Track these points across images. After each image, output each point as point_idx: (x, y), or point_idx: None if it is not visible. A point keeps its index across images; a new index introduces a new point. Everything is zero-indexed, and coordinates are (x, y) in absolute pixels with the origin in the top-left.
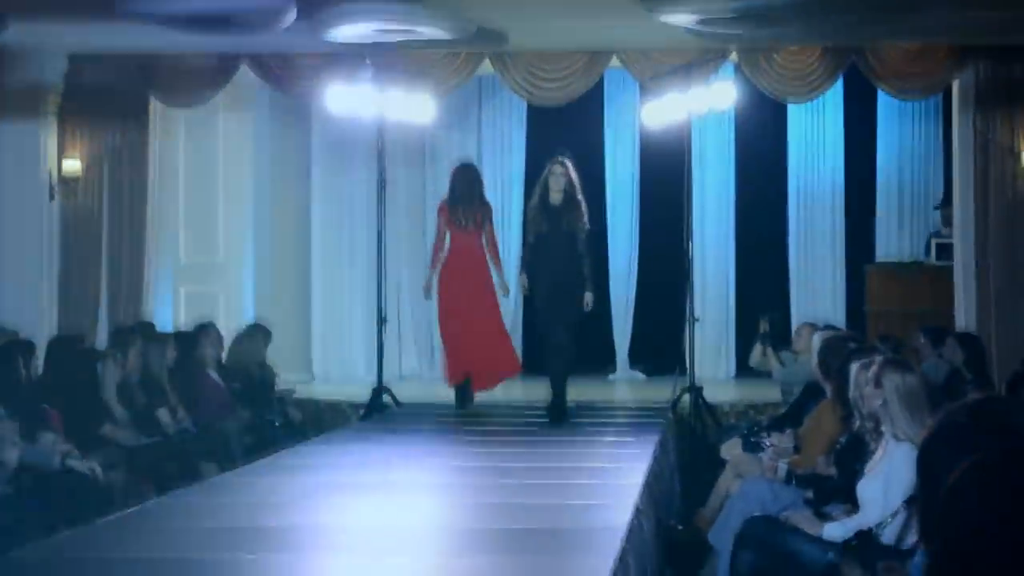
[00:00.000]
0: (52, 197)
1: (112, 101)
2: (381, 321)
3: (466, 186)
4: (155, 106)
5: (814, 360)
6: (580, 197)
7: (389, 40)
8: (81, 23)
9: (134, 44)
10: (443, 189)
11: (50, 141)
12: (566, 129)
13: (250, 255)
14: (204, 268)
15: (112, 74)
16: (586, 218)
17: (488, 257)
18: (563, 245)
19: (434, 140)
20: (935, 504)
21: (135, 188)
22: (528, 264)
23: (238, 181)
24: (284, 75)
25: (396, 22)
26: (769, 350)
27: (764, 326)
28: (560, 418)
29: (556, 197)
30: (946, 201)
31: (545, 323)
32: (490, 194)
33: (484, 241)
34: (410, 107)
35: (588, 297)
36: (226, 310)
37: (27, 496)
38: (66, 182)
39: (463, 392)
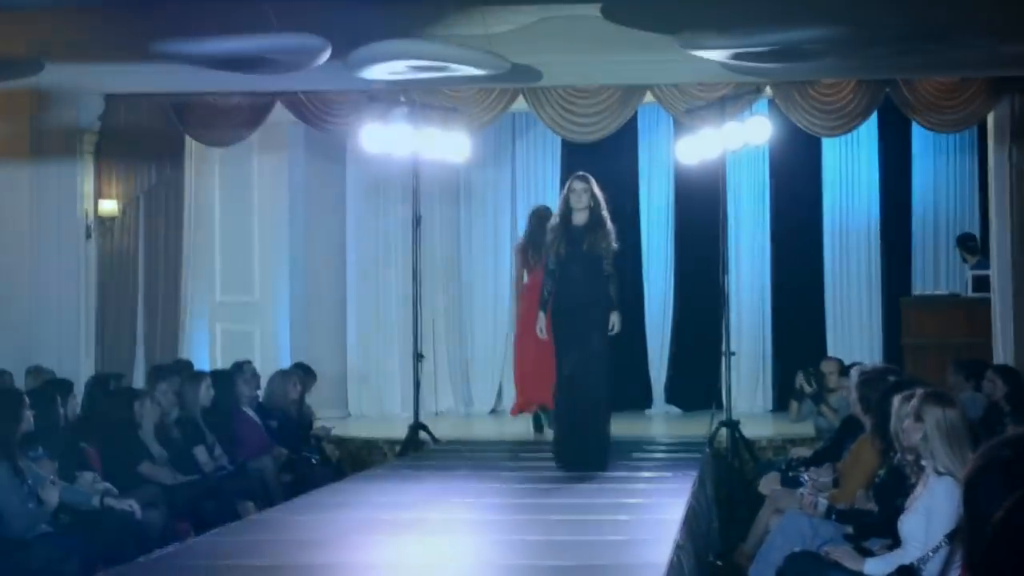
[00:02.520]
0: (89, 236)
1: (148, 141)
2: (417, 358)
3: (539, 228)
4: (191, 145)
5: (853, 394)
6: (605, 214)
7: (423, 78)
8: (116, 64)
9: (169, 85)
10: (478, 225)
11: (86, 181)
12: (600, 165)
13: (285, 293)
14: (240, 306)
15: (147, 114)
16: (613, 237)
17: None
18: (587, 270)
19: (469, 177)
20: (981, 539)
21: (171, 227)
22: (545, 299)
23: (273, 219)
24: (319, 114)
25: (430, 60)
26: (804, 405)
27: (801, 381)
28: (600, 468)
29: (580, 217)
30: (967, 236)
31: (569, 362)
32: (521, 231)
33: None
34: (445, 144)
35: (615, 318)
36: (262, 348)
37: (66, 535)
38: (103, 221)
39: (538, 420)
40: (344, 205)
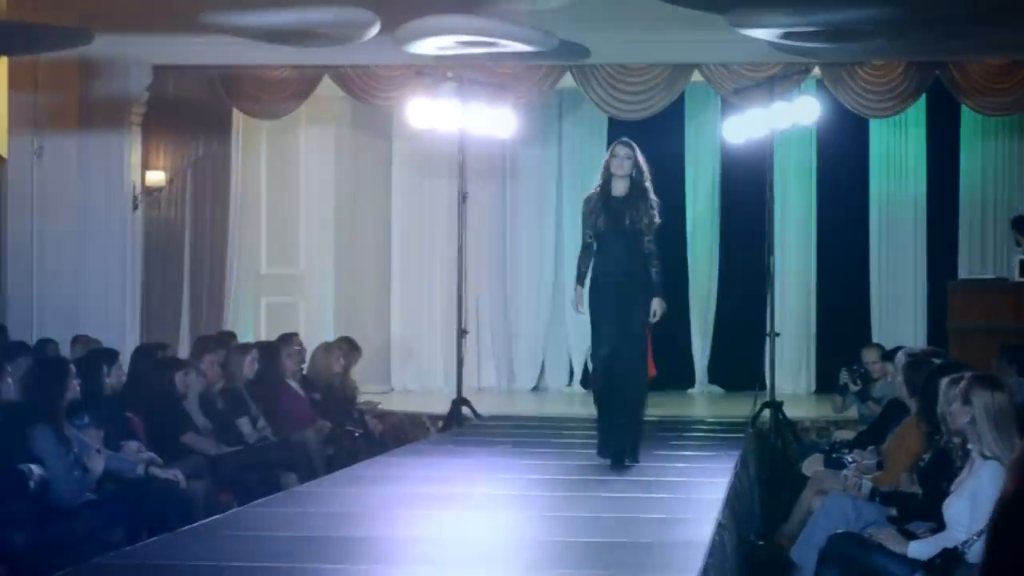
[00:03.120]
0: (135, 207)
1: (195, 113)
2: (461, 333)
3: None
4: (238, 118)
5: (898, 377)
6: (648, 185)
7: (471, 53)
8: (165, 36)
9: (217, 57)
10: (523, 202)
11: (134, 152)
12: (647, 143)
13: (330, 266)
14: (285, 279)
15: (195, 86)
16: (656, 211)
17: None
18: (627, 245)
19: (515, 153)
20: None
21: (217, 199)
22: (583, 272)
23: (319, 193)
24: (366, 87)
25: (478, 35)
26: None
27: (845, 379)
28: (633, 459)
29: (620, 186)
30: (1021, 218)
31: (607, 342)
32: (569, 209)
33: None
34: (491, 120)
35: (657, 304)
36: (307, 321)
37: (111, 503)
38: (149, 193)
39: None
40: (390, 179)
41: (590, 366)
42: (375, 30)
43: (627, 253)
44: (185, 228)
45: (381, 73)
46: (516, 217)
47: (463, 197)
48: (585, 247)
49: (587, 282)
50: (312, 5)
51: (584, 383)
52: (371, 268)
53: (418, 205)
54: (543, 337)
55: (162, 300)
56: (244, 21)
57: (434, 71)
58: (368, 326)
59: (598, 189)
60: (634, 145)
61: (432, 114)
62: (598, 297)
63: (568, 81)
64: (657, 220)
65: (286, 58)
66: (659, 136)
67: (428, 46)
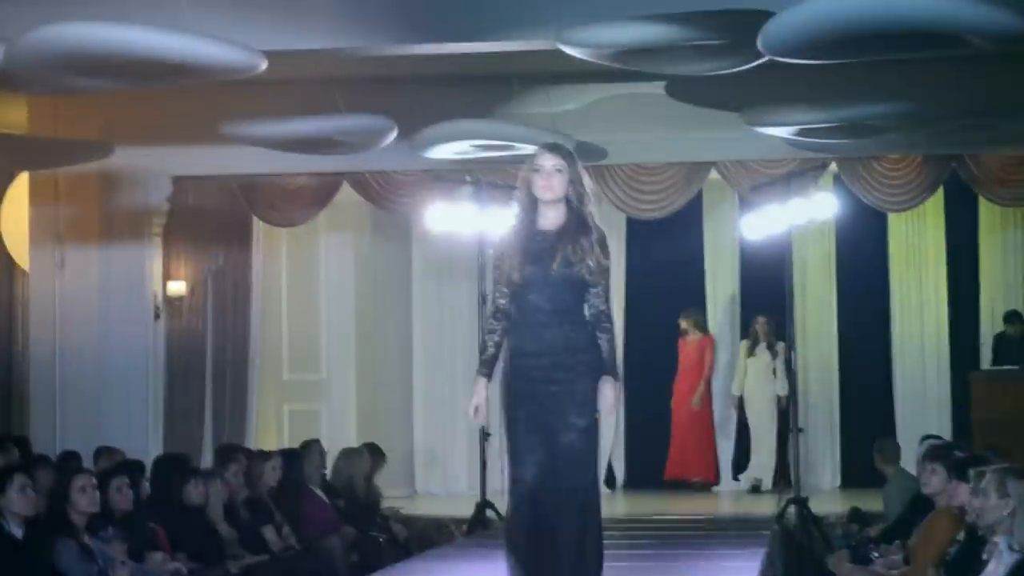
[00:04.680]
0: (157, 317)
1: (215, 221)
2: (484, 436)
3: None
4: (258, 225)
5: (921, 470)
6: (591, 209)
7: (488, 156)
8: (184, 147)
9: (236, 166)
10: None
11: (155, 262)
12: (665, 241)
13: (352, 372)
14: (308, 385)
15: (215, 195)
16: (602, 248)
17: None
18: (562, 303)
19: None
20: None
21: (239, 307)
22: (491, 355)
23: (340, 298)
24: (384, 193)
25: (495, 139)
26: None
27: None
28: None
29: (551, 216)
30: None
31: (531, 460)
32: None
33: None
34: (510, 223)
35: (611, 389)
36: (329, 427)
37: None
38: (171, 302)
39: None
40: (410, 284)
41: (504, 501)
42: (392, 137)
43: (562, 315)
44: (207, 336)
45: (399, 178)
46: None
47: (483, 299)
48: (495, 313)
49: (499, 368)
50: (329, 113)
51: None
52: (393, 372)
53: (439, 309)
54: None
55: (185, 409)
56: (262, 131)
57: (452, 175)
58: (391, 431)
59: (516, 223)
60: (565, 148)
61: (451, 218)
62: (518, 389)
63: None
64: (605, 262)
65: (304, 166)
66: (678, 234)
67: (445, 151)
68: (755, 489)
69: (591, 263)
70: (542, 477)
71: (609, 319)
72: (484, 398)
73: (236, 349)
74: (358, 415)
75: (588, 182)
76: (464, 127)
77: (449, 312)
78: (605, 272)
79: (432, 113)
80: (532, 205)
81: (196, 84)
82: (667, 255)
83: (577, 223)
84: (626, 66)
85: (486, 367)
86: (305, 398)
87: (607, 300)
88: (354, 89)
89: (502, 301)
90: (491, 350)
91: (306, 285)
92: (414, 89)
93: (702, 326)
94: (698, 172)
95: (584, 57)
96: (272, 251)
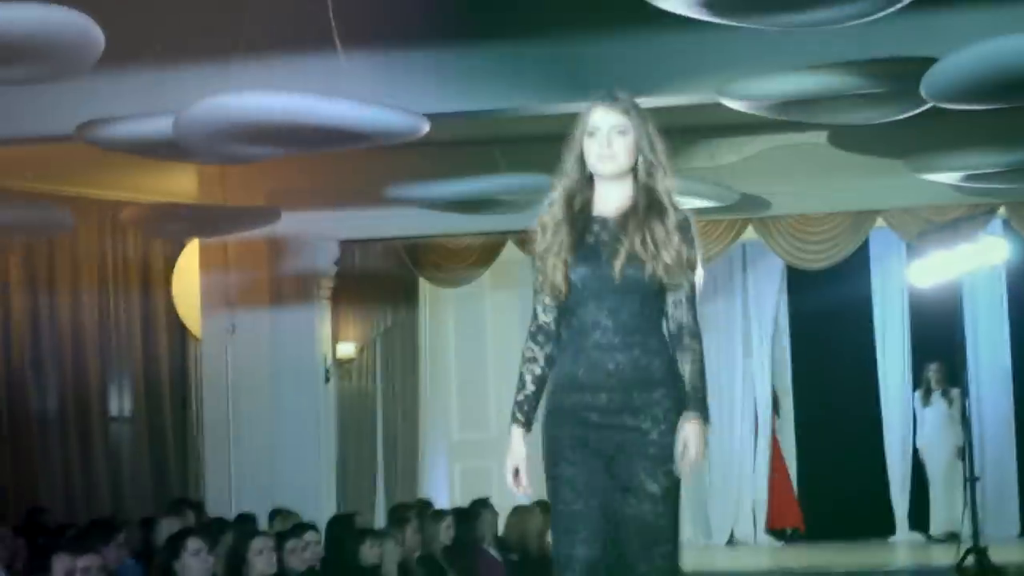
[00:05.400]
0: (327, 380)
1: (382, 283)
2: None
3: None
4: (424, 286)
5: None
6: (669, 184)
7: None
8: (350, 210)
9: (402, 228)
10: (712, 354)
11: (324, 325)
12: (832, 290)
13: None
14: (477, 444)
15: (381, 257)
16: (694, 247)
17: None
18: (624, 314)
19: (700, 308)
20: None
21: (407, 367)
22: (531, 394)
23: (507, 356)
24: None
25: None
26: None
27: None
28: None
29: (613, 195)
30: None
31: (589, 534)
32: (758, 364)
33: None
34: (551, 206)
35: (693, 431)
36: (500, 485)
37: None
38: (341, 364)
39: None
40: None
41: None
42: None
43: (630, 333)
44: (377, 397)
45: None
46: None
47: None
48: (537, 333)
49: (543, 409)
50: (491, 173)
51: None
52: None
53: None
54: (735, 489)
55: (356, 469)
56: (426, 193)
57: None
58: None
59: (562, 207)
60: (634, 102)
61: None
62: (566, 437)
63: (750, 233)
64: (691, 253)
65: (468, 226)
66: (846, 282)
67: None
68: (935, 539)
69: (669, 259)
70: (601, 563)
71: (696, 335)
72: (524, 455)
73: (406, 409)
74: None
75: (662, 146)
76: None
77: None
78: (690, 270)
79: None
80: (585, 182)
81: (360, 148)
82: (836, 302)
83: (648, 204)
84: (788, 117)
85: (525, 411)
86: (475, 456)
87: (693, 309)
88: (513, 147)
89: (546, 317)
90: (531, 387)
91: (473, 343)
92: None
93: None
94: (864, 220)
95: (746, 110)
96: (439, 310)
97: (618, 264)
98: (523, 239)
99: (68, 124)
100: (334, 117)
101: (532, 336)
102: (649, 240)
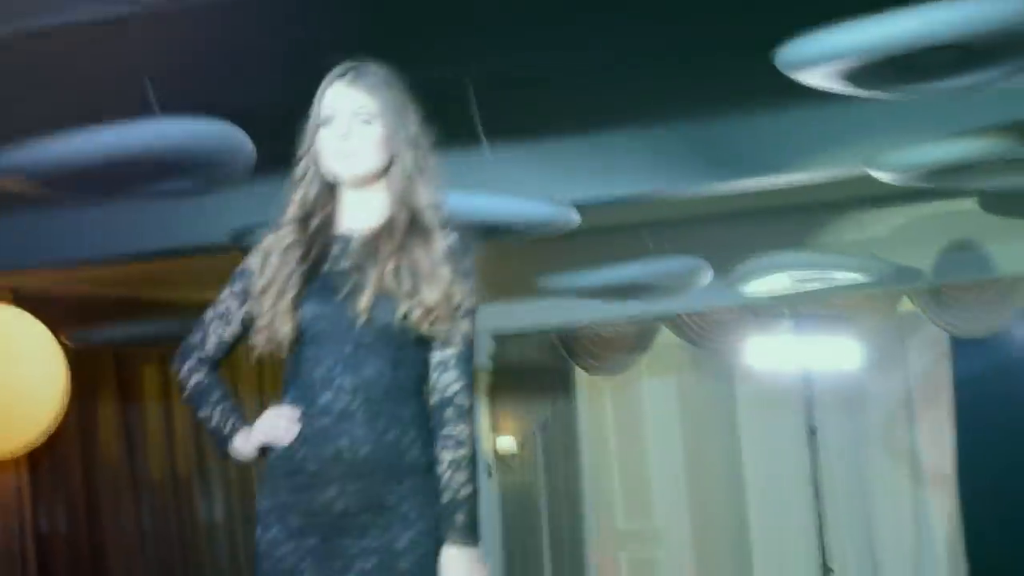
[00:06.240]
0: (490, 475)
1: (538, 376)
2: (826, 572)
3: None
4: (580, 376)
5: None
6: (430, 199)
7: (806, 289)
8: (502, 303)
9: (554, 319)
10: (875, 434)
11: (484, 420)
12: (996, 358)
13: (686, 516)
14: (643, 533)
15: (536, 349)
16: (456, 275)
17: None
18: (366, 373)
19: (860, 383)
20: None
21: (569, 458)
22: (276, 464)
23: (668, 442)
24: (703, 334)
25: (811, 271)
26: None
27: None
28: None
29: (356, 209)
30: None
31: None
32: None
33: None
34: (834, 353)
35: (458, 572)
36: (668, 573)
37: None
38: (502, 459)
39: None
40: (736, 423)
41: None
42: (708, 277)
43: (375, 401)
44: (540, 489)
45: (717, 317)
46: (870, 447)
47: (812, 431)
48: (198, 360)
49: (258, 505)
50: (642, 258)
51: None
52: (727, 514)
53: (768, 445)
54: (911, 570)
55: (523, 562)
56: (579, 282)
57: (769, 310)
58: (727, 571)
59: (294, 227)
60: (383, 74)
61: (772, 352)
62: (285, 555)
63: (907, 303)
64: (463, 294)
65: (621, 313)
66: (1009, 350)
67: (762, 286)
68: None
69: (432, 299)
70: None
71: (464, 416)
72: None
73: (569, 500)
74: (696, 560)
75: (427, 143)
76: (780, 260)
77: (778, 447)
78: (464, 317)
79: (742, 249)
80: (326, 191)
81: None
82: (1001, 365)
83: (409, 220)
84: (938, 186)
85: (230, 420)
86: (641, 545)
87: (465, 376)
88: (662, 230)
89: (218, 336)
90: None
91: (633, 431)
92: (722, 226)
93: None
94: (1021, 283)
95: (895, 182)
96: (596, 399)
97: (362, 301)
98: (676, 323)
99: (221, 232)
100: (483, 212)
101: (191, 365)
102: (405, 271)
